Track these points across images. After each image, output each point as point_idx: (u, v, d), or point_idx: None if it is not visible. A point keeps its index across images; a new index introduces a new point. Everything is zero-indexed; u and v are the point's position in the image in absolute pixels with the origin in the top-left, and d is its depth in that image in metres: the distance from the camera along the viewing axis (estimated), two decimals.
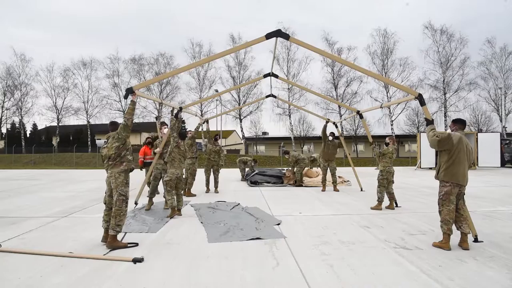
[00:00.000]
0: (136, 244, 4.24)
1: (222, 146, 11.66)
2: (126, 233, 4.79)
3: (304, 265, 3.49)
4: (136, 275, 3.26)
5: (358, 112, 8.42)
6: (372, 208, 6.58)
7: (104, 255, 3.84)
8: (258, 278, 3.17)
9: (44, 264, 3.57)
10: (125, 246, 4.14)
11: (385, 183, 6.62)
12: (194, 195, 8.43)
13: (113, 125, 4.40)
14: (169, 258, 3.75)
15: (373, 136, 7.54)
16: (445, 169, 4.07)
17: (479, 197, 8.16)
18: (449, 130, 4.32)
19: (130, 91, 4.15)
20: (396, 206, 6.74)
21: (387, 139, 6.94)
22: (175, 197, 5.98)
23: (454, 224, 4.06)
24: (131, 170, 4.32)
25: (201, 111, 34.02)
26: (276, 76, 8.32)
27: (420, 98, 4.54)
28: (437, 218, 5.59)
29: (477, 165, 18.44)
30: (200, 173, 9.62)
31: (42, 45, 62.06)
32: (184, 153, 6.23)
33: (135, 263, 3.58)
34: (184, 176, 6.78)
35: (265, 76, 8.43)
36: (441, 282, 3.05)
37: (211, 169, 9.29)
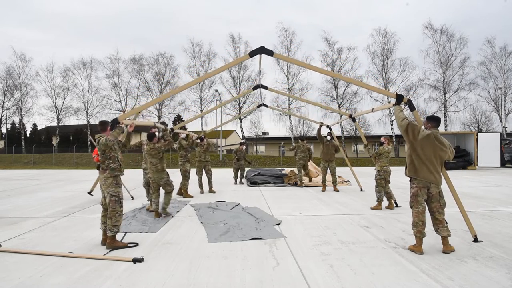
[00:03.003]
0: (136, 244, 4.24)
1: (222, 146, 11.59)
2: (126, 233, 4.80)
3: (304, 265, 3.50)
4: (136, 275, 3.26)
5: (350, 116, 8.42)
6: (372, 208, 6.59)
7: (104, 255, 3.84)
8: (258, 278, 3.17)
9: (44, 264, 3.58)
10: (125, 246, 4.14)
11: (383, 183, 6.63)
12: (191, 197, 8.35)
13: (102, 125, 4.35)
14: (169, 258, 3.75)
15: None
16: (409, 164, 3.99)
17: (479, 197, 8.16)
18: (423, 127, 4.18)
19: (115, 122, 4.04)
20: (396, 206, 6.74)
21: (382, 138, 6.94)
22: (157, 200, 6.01)
23: (433, 226, 3.99)
24: (117, 176, 4.25)
25: (201, 110, 33.98)
26: (266, 88, 8.34)
27: (409, 103, 4.40)
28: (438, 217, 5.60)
29: (477, 165, 18.43)
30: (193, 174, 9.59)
31: (42, 45, 62.06)
32: (156, 154, 5.95)
33: (135, 263, 3.58)
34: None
35: (254, 88, 8.40)
36: (441, 282, 3.05)
37: (203, 170, 9.27)
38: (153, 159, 5.96)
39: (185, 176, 8.32)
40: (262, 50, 4.52)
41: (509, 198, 8.03)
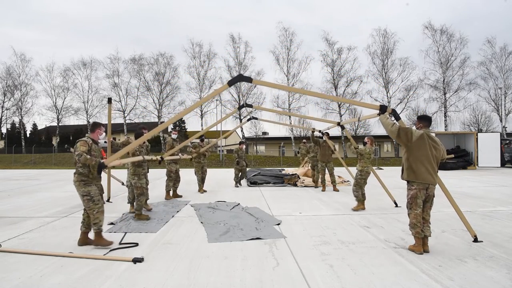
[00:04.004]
0: (136, 244, 4.24)
1: (222, 146, 11.53)
2: (126, 233, 4.80)
3: (304, 265, 3.50)
4: (136, 275, 3.26)
5: (338, 124, 8.42)
6: (353, 209, 6.52)
7: (104, 255, 3.84)
8: (258, 278, 3.17)
9: (44, 264, 3.57)
10: (110, 243, 4.12)
11: (362, 183, 6.61)
12: (180, 196, 8.34)
13: (92, 126, 4.35)
14: (169, 258, 3.75)
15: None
16: (407, 168, 3.95)
17: (479, 197, 8.16)
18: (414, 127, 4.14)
19: (102, 166, 4.00)
20: (396, 206, 6.75)
21: (365, 139, 6.90)
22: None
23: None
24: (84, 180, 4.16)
25: (201, 110, 34.00)
26: (250, 106, 8.42)
27: (394, 113, 4.41)
28: (437, 218, 5.61)
29: (477, 165, 18.43)
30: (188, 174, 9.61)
31: (41, 46, 62.10)
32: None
33: (135, 263, 3.58)
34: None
35: (239, 108, 8.39)
36: (441, 282, 3.05)
37: (201, 170, 9.34)
38: None
39: (169, 176, 8.15)
40: (240, 78, 4.38)
41: (509, 198, 8.03)
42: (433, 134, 4.07)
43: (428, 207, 3.97)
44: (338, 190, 9.33)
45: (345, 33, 62.36)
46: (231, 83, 4.42)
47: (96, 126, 4.34)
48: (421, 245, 3.88)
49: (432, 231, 4.80)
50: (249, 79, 4.48)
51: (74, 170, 4.21)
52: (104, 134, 4.46)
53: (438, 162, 4.01)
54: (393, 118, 4.39)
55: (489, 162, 18.51)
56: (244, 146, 11.55)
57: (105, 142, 7.30)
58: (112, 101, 6.84)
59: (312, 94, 5.14)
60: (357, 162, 6.91)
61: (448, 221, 5.27)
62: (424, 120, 4.08)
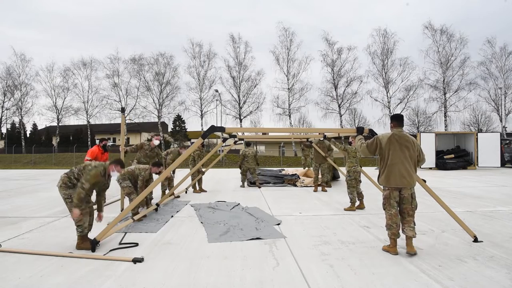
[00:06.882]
0: (136, 244, 4.24)
1: (222, 146, 11.55)
2: (126, 233, 4.81)
3: (304, 265, 3.50)
4: (136, 275, 3.26)
5: (324, 136, 8.41)
6: (345, 209, 6.54)
7: (104, 255, 3.84)
8: (258, 278, 3.17)
9: (44, 264, 3.58)
10: (91, 249, 4.01)
11: (354, 184, 6.59)
12: (178, 196, 8.42)
13: (117, 161, 4.30)
14: (169, 258, 3.75)
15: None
16: (382, 174, 3.92)
17: (479, 197, 8.16)
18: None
19: (95, 243, 4.03)
20: None
21: (350, 138, 6.89)
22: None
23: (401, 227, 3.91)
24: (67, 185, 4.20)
25: (201, 110, 34.01)
26: (234, 137, 8.58)
27: (371, 133, 4.50)
28: (437, 218, 5.62)
29: (477, 165, 18.43)
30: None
31: (41, 46, 62.11)
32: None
33: (135, 263, 3.59)
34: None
35: (224, 140, 8.51)
36: (441, 282, 3.05)
37: (197, 170, 9.50)
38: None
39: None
40: (212, 130, 4.40)
41: (509, 198, 8.02)
42: (405, 133, 3.96)
43: (409, 209, 3.86)
44: (326, 191, 9.36)
45: (345, 33, 62.43)
46: (204, 136, 4.54)
47: (118, 163, 4.26)
48: (395, 246, 3.84)
49: (431, 231, 4.85)
50: (222, 129, 4.55)
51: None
52: (116, 172, 4.29)
53: (415, 162, 3.91)
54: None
55: (489, 162, 18.48)
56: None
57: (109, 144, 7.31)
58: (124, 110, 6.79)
59: (289, 131, 5.31)
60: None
61: (448, 221, 5.26)
62: (395, 119, 3.99)
